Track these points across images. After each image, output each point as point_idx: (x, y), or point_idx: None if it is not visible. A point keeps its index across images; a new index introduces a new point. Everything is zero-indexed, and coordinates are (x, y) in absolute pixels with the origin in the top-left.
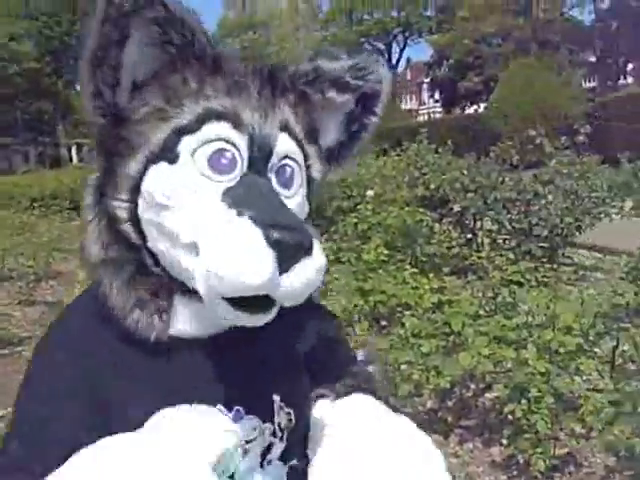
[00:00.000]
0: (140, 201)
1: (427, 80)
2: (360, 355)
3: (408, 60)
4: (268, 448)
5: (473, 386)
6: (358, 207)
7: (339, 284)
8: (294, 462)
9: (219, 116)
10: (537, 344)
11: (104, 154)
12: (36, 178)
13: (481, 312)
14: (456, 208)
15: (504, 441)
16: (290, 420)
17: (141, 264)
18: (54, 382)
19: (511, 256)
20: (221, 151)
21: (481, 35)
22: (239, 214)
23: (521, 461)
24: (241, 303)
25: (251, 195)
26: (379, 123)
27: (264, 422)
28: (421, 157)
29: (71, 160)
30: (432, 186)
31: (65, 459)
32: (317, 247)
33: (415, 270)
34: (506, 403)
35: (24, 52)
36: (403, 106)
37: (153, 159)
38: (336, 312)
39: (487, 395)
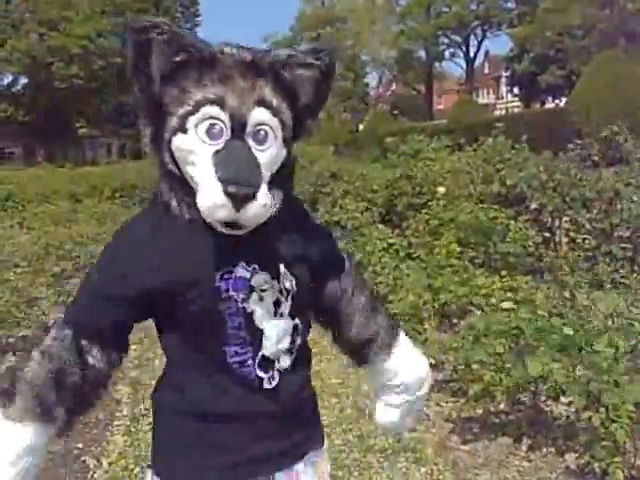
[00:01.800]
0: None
1: (506, 74)
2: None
3: (486, 53)
4: (278, 304)
5: (547, 387)
6: (429, 203)
7: (409, 280)
8: (297, 321)
9: (211, 102)
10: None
11: (150, 124)
12: (118, 169)
13: (555, 313)
14: (533, 206)
15: (579, 448)
16: (291, 285)
17: (180, 182)
18: (113, 268)
19: (590, 256)
20: (213, 125)
21: (564, 27)
22: (215, 173)
23: (597, 470)
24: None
25: (228, 157)
26: (331, 92)
27: (272, 280)
28: (497, 152)
29: None
30: (508, 182)
31: (107, 329)
32: (262, 193)
33: (488, 268)
34: (582, 409)
35: (110, 47)
36: (480, 100)
37: (175, 131)
38: (405, 307)
39: (562, 399)
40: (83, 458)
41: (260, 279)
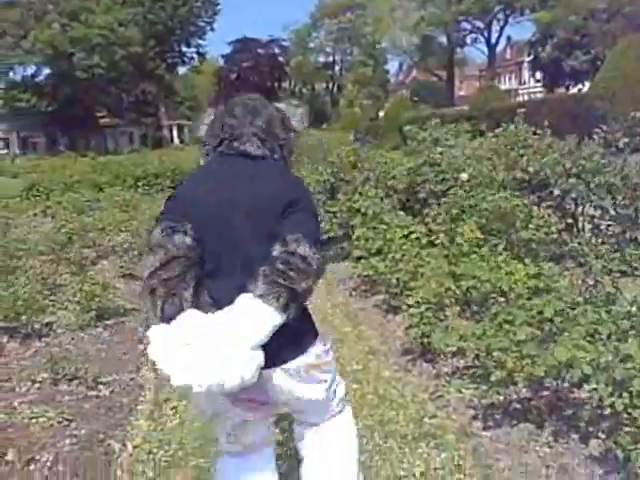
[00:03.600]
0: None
1: (528, 59)
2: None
3: (508, 38)
4: None
5: (569, 376)
6: (451, 190)
7: (430, 267)
8: None
9: None
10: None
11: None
12: (140, 158)
13: (580, 300)
14: (556, 192)
15: (602, 434)
16: None
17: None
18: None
19: (614, 243)
20: None
21: (589, 11)
22: None
23: (620, 456)
24: None
25: None
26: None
27: None
28: (519, 138)
29: (172, 141)
30: (531, 169)
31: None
32: None
33: (510, 255)
34: (605, 396)
35: (130, 37)
36: (502, 86)
37: None
38: (427, 295)
39: (585, 386)
40: (108, 442)
41: None
